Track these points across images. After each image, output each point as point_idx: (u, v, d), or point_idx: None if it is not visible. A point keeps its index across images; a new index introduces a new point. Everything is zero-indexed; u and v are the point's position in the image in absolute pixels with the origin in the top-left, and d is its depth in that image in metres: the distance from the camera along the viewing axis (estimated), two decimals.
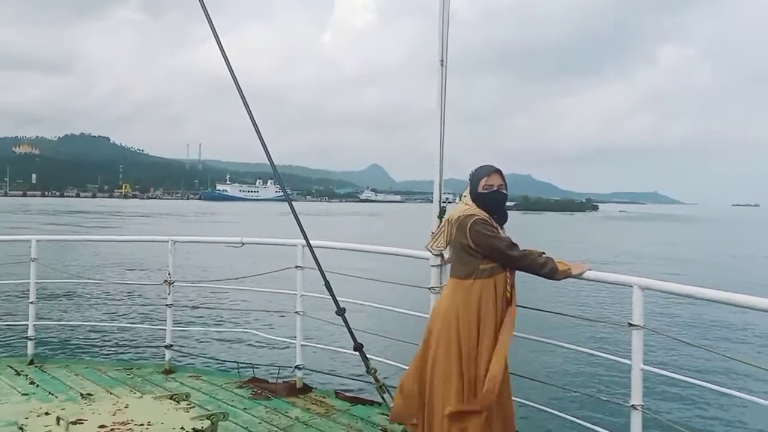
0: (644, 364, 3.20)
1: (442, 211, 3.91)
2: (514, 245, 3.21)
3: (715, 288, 2.98)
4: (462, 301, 3.18)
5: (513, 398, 3.34)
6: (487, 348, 3.12)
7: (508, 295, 3.22)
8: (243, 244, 5.58)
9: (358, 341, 3.98)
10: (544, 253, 3.35)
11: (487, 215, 3.25)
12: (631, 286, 3.22)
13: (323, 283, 4.12)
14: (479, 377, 3.09)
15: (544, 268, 3.20)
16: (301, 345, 5.31)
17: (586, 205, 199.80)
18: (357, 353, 4.00)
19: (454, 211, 3.38)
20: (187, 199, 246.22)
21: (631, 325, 3.21)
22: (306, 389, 5.25)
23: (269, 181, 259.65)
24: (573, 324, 12.56)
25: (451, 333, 3.17)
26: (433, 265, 4.11)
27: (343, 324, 4.02)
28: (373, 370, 3.87)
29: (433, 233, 3.65)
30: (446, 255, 3.75)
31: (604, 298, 16.97)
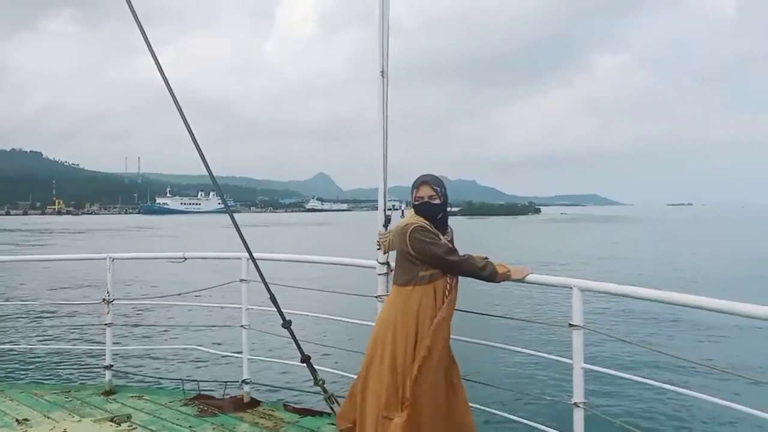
0: (585, 362, 3.30)
1: (388, 220, 3.95)
2: (453, 250, 3.28)
3: (649, 286, 3.11)
4: (401, 308, 3.23)
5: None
6: (422, 356, 3.15)
7: (446, 298, 3.27)
8: (185, 258, 5.47)
9: (306, 353, 3.95)
10: (487, 258, 3.43)
11: (428, 223, 3.30)
12: (570, 288, 3.32)
13: (269, 296, 4.08)
14: (407, 383, 3.13)
15: (483, 271, 3.28)
16: (248, 359, 5.23)
17: (529, 208, 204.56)
18: (300, 366, 3.97)
19: (402, 219, 3.44)
20: (126, 213, 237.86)
21: (571, 325, 3.31)
22: (254, 403, 5.17)
23: (211, 193, 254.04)
24: (516, 326, 12.84)
25: (388, 338, 3.22)
26: (379, 274, 4.13)
27: (287, 337, 3.99)
28: (321, 381, 3.85)
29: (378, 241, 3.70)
30: (392, 263, 3.78)
31: (546, 299, 17.37)
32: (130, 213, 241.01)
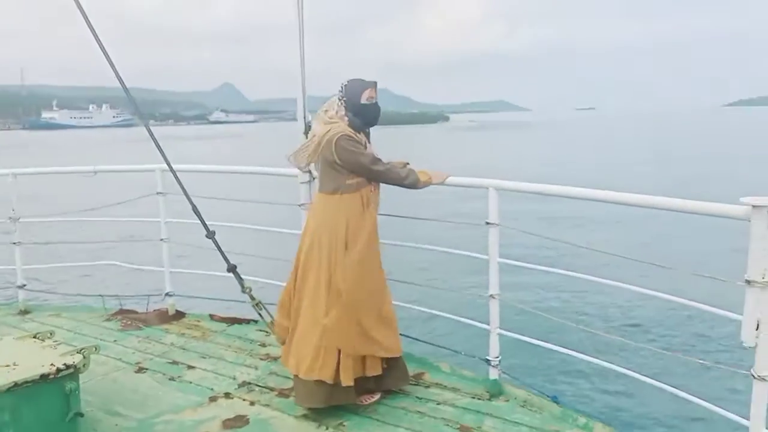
0: (500, 257, 3.51)
1: (308, 127, 3.91)
2: (378, 160, 3.31)
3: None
4: (330, 215, 3.28)
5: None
6: (354, 260, 3.24)
7: (372, 203, 3.35)
8: (96, 172, 5.26)
9: (231, 262, 3.97)
10: (408, 164, 3.50)
11: (353, 131, 3.29)
12: (486, 188, 3.46)
13: (191, 208, 4.01)
14: (342, 286, 3.22)
15: (406, 179, 3.36)
16: (170, 272, 5.21)
17: (438, 116, 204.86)
18: (230, 275, 3.99)
19: (319, 126, 3.38)
20: (7, 129, 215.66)
21: (488, 223, 3.49)
22: (179, 315, 5.21)
23: (104, 106, 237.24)
24: (433, 227, 13.27)
25: (321, 246, 3.27)
26: (302, 182, 4.14)
27: (211, 248, 3.97)
28: (248, 289, 3.90)
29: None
30: (314, 172, 3.78)
31: (463, 202, 17.90)
32: (14, 129, 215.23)
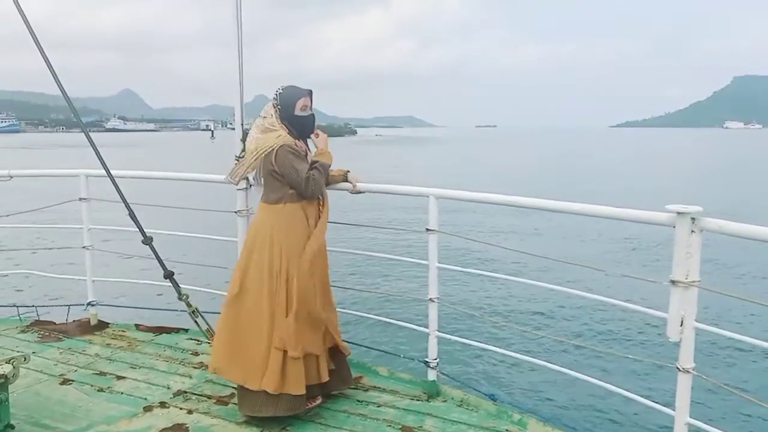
0: (439, 263, 3.62)
1: (245, 134, 3.86)
2: (308, 178, 3.19)
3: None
4: (274, 225, 3.23)
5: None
6: (298, 268, 3.21)
7: (319, 214, 3.34)
8: (11, 177, 4.97)
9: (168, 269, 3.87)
10: (348, 171, 3.58)
11: (293, 140, 3.25)
12: (427, 196, 3.57)
13: (125, 214, 3.88)
14: (290, 296, 3.19)
15: (323, 179, 3.31)
16: (93, 281, 4.99)
17: (345, 129, 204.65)
18: (158, 283, 3.88)
19: (258, 137, 3.29)
20: None
21: (428, 230, 3.59)
22: (102, 325, 5.00)
23: None
24: (374, 233, 13.51)
25: (263, 255, 3.22)
26: (239, 189, 4.09)
27: (142, 256, 3.86)
28: (185, 297, 3.82)
29: (237, 161, 3.63)
30: (251, 179, 3.72)
31: (405, 210, 18.13)
32: None
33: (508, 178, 33.99)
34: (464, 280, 10.02)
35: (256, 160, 3.26)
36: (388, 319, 3.99)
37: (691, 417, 2.58)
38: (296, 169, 3.17)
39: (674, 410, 2.61)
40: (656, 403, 2.79)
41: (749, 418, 5.80)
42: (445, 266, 3.65)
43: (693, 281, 2.49)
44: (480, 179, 33.18)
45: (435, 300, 3.63)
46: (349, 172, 3.59)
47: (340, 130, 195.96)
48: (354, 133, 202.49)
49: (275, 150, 3.17)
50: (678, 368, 2.57)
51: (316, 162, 3.29)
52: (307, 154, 3.34)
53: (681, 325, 2.52)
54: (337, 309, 3.55)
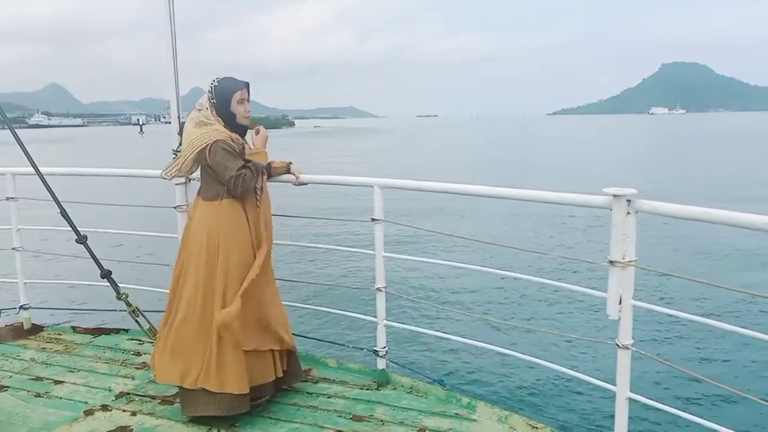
0: (385, 252, 3.63)
1: (182, 127, 3.76)
2: (239, 176, 3.09)
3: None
4: (213, 220, 3.15)
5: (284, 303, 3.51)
6: (236, 262, 3.15)
7: (257, 210, 3.27)
8: None
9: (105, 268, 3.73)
10: (290, 162, 3.52)
11: (229, 135, 3.17)
12: (372, 186, 3.56)
13: (58, 213, 3.71)
14: (230, 292, 3.13)
15: (255, 180, 3.18)
16: (24, 283, 4.77)
17: (283, 121, 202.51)
18: (89, 285, 3.75)
19: (192, 130, 3.19)
20: None
21: (373, 219, 3.59)
22: (36, 329, 4.79)
23: None
24: (319, 225, 13.43)
25: (201, 251, 3.14)
26: (177, 184, 3.99)
27: (77, 256, 3.71)
28: (124, 296, 3.69)
29: (174, 156, 3.53)
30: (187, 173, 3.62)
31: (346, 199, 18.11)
32: None
33: (451, 167, 34.48)
34: (411, 267, 10.14)
35: (191, 155, 3.17)
36: (336, 310, 3.99)
37: (631, 391, 2.68)
38: (226, 167, 3.08)
39: (615, 386, 2.71)
40: (598, 380, 2.89)
41: (688, 390, 6.10)
42: (392, 255, 3.66)
43: (630, 261, 2.58)
44: (425, 169, 33.48)
45: (382, 289, 3.64)
46: (291, 163, 3.53)
47: (278, 122, 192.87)
48: (292, 125, 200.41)
49: (209, 146, 3.09)
50: (618, 345, 2.67)
51: (249, 162, 3.19)
52: (244, 148, 3.25)
53: (619, 303, 2.62)
54: (284, 302, 3.51)
